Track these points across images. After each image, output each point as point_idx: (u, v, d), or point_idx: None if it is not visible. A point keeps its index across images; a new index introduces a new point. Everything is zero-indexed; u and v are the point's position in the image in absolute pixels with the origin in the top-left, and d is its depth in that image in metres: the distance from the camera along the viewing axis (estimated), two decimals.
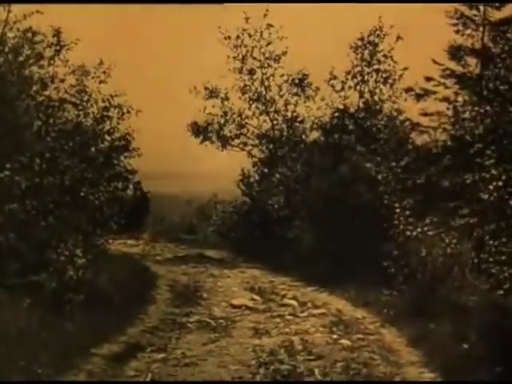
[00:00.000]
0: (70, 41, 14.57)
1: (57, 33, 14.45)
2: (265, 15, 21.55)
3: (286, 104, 22.45)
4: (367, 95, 19.29)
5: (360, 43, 19.36)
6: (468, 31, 17.21)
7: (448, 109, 16.95)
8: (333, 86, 19.42)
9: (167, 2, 20.62)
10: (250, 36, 22.03)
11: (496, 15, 17.02)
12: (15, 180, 11.04)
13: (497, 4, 16.94)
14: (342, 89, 19.27)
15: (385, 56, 19.46)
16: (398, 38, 19.19)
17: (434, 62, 17.26)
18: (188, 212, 26.73)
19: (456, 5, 17.15)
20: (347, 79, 19.30)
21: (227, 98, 22.86)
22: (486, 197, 11.44)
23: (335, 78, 19.41)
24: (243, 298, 14.28)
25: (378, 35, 19.34)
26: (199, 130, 23.12)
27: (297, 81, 22.20)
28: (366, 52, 19.37)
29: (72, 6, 16.55)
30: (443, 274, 11.84)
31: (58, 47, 14.44)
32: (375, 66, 19.47)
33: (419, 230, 12.47)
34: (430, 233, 12.30)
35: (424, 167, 15.25)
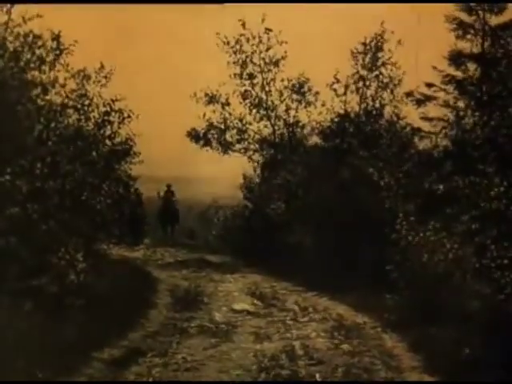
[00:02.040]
0: (69, 44, 14.53)
1: (56, 37, 14.42)
2: (263, 20, 21.60)
3: (287, 109, 22.49)
4: (369, 100, 19.34)
5: (361, 48, 19.44)
6: (468, 36, 17.23)
7: (448, 114, 16.98)
8: (335, 90, 19.49)
9: (167, 2, 20.61)
10: (248, 41, 22.06)
11: (495, 20, 17.04)
12: (16, 184, 11.03)
13: (496, 9, 16.95)
14: (345, 93, 19.34)
15: (383, 63, 19.54)
16: (399, 42, 19.30)
17: (435, 68, 17.28)
18: (189, 217, 26.68)
19: (455, 11, 17.17)
20: (348, 84, 19.36)
21: (228, 104, 22.87)
22: (487, 203, 11.45)
23: (338, 81, 19.46)
24: (244, 302, 14.26)
25: (379, 40, 19.41)
26: (199, 136, 23.12)
27: (297, 86, 22.24)
28: (368, 57, 19.44)
29: (72, 7, 16.56)
30: (445, 278, 11.82)
31: (57, 51, 14.41)
32: (376, 72, 19.53)
33: (421, 235, 12.45)
34: (432, 238, 12.28)
35: (426, 172, 15.23)
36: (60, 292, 10.73)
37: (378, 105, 19.32)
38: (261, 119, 22.69)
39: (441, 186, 14.08)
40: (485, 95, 15.74)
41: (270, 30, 21.77)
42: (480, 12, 17.05)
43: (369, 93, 19.44)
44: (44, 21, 13.70)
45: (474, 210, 12.06)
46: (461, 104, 16.92)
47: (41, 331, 9.28)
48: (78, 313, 10.55)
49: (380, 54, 19.48)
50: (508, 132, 13.24)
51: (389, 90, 19.41)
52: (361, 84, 19.38)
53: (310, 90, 22.14)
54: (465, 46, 17.22)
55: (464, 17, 17.16)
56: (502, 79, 14.88)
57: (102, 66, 16.01)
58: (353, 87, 19.36)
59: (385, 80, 19.45)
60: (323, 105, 20.15)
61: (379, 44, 19.44)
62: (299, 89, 22.22)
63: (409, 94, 17.89)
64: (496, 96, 14.59)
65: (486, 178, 11.95)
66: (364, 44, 19.41)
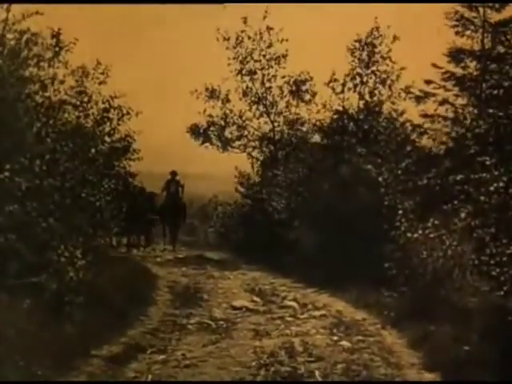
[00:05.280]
0: (69, 41, 14.52)
1: (56, 34, 14.40)
2: (264, 17, 21.61)
3: (287, 106, 22.49)
4: (367, 96, 19.33)
5: (357, 45, 19.42)
6: (467, 33, 17.22)
7: (448, 110, 17.00)
8: (333, 89, 19.48)
9: (167, 2, 20.56)
10: (249, 38, 22.06)
11: (496, 17, 17.04)
12: (15, 181, 11.01)
13: (496, 5, 16.94)
14: (342, 91, 19.32)
15: (382, 57, 19.51)
16: (395, 38, 19.25)
17: (434, 65, 17.28)
18: (188, 213, 26.67)
19: (455, 6, 17.16)
20: (346, 81, 19.36)
21: (228, 100, 22.87)
22: (486, 199, 11.43)
23: (335, 80, 19.46)
24: (244, 299, 14.27)
25: (376, 36, 19.39)
26: (199, 132, 23.12)
27: (297, 83, 22.23)
28: (364, 53, 19.42)
29: (72, 7, 16.53)
30: (444, 275, 11.82)
31: (57, 49, 14.40)
32: (373, 68, 19.51)
33: (420, 231, 12.45)
34: (431, 235, 12.27)
35: (424, 169, 15.23)
36: (59, 289, 10.72)
37: (376, 101, 19.29)
38: (260, 116, 22.69)
39: (440, 182, 14.08)
40: (484, 92, 15.74)
41: (271, 29, 21.78)
42: (480, 8, 17.04)
43: (367, 89, 19.43)
44: (44, 18, 13.68)
45: (474, 206, 12.05)
46: (460, 101, 16.94)
47: (40, 328, 9.28)
48: (78, 310, 10.54)
49: (377, 50, 19.45)
50: (507, 128, 13.23)
51: (387, 86, 19.38)
52: (358, 81, 19.36)
53: (310, 87, 22.16)
54: (465, 42, 17.25)
55: (464, 13, 17.15)
56: (501, 75, 14.87)
57: (99, 63, 16.02)
58: (350, 84, 19.35)
59: (382, 76, 19.42)
60: (324, 104, 20.13)
61: (376, 39, 19.39)
62: (299, 86, 22.22)
63: (407, 90, 17.91)
64: (495, 92, 14.58)
65: (486, 172, 11.94)
66: (359, 41, 19.38)
